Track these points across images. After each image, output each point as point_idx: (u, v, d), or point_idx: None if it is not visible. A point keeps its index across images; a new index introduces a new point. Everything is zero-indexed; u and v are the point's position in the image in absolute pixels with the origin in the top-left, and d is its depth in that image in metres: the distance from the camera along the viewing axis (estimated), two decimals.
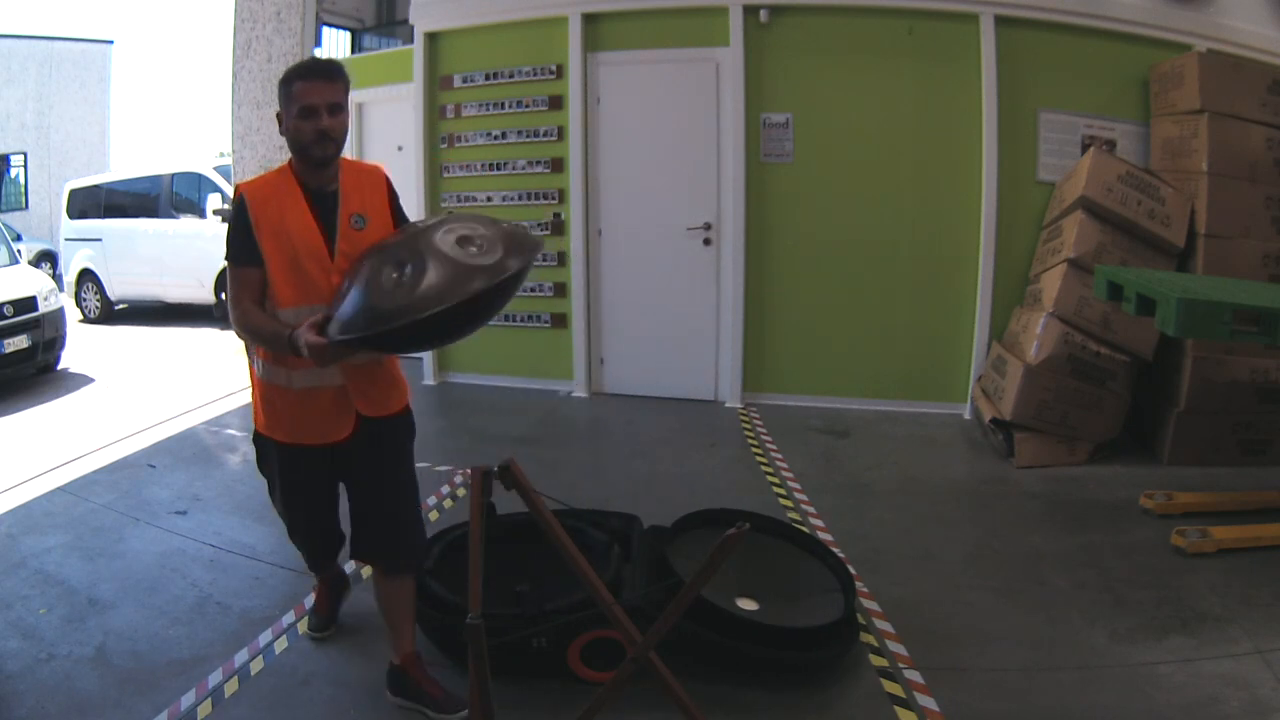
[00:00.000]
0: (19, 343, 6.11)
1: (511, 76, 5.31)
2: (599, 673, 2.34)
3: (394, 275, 1.92)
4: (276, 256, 2.10)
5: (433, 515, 3.64)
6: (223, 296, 8.60)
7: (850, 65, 4.88)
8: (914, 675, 2.43)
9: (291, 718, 2.30)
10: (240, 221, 2.11)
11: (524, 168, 5.39)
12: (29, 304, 6.28)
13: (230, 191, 7.56)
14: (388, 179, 2.32)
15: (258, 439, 2.38)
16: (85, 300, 9.69)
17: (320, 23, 7.08)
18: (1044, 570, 3.06)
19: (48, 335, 6.41)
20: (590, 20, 5.09)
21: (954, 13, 4.69)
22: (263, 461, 2.42)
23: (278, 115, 2.16)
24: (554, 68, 5.19)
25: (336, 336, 1.91)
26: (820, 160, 4.97)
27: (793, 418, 4.90)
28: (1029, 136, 4.73)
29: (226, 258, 2.17)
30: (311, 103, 2.07)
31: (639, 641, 1.66)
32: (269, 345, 2.11)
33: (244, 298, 2.13)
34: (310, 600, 2.80)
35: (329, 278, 2.10)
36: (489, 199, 5.50)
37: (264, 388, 2.27)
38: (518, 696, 2.27)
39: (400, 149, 6.25)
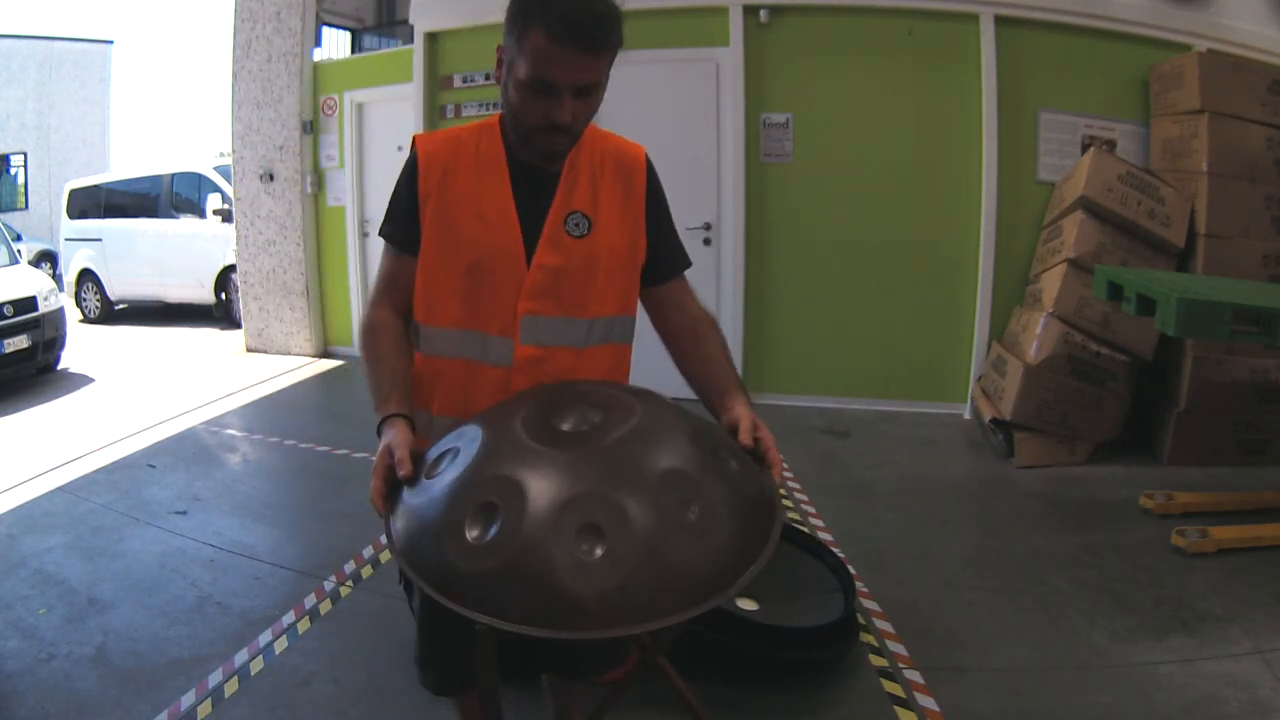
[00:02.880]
0: (19, 343, 6.11)
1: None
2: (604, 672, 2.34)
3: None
4: (444, 251, 1.41)
5: None
6: (223, 296, 8.63)
7: (850, 65, 4.89)
8: (914, 675, 2.43)
9: (291, 718, 2.30)
10: (406, 188, 1.44)
11: None
12: (29, 304, 6.28)
13: (230, 191, 7.56)
14: (650, 171, 1.54)
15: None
16: (85, 300, 9.69)
17: (320, 23, 7.09)
18: (1044, 570, 3.06)
19: (48, 335, 6.41)
20: None
21: (954, 13, 4.69)
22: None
23: (499, 50, 1.37)
24: None
25: (402, 551, 1.14)
26: (820, 160, 4.97)
27: (793, 418, 4.90)
28: (1029, 136, 4.73)
29: (380, 230, 1.52)
30: (553, 78, 1.29)
31: (648, 644, 1.66)
32: (370, 391, 1.39)
33: (383, 300, 1.48)
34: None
35: (514, 298, 1.41)
36: None
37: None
38: (519, 696, 2.27)
39: (400, 149, 6.25)
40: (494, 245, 1.40)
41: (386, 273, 1.49)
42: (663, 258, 1.54)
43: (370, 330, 1.45)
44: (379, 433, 1.28)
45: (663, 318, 1.55)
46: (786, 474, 4.04)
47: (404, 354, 1.43)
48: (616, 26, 1.30)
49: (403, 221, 1.44)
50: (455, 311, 1.43)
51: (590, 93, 1.35)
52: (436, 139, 1.47)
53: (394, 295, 1.47)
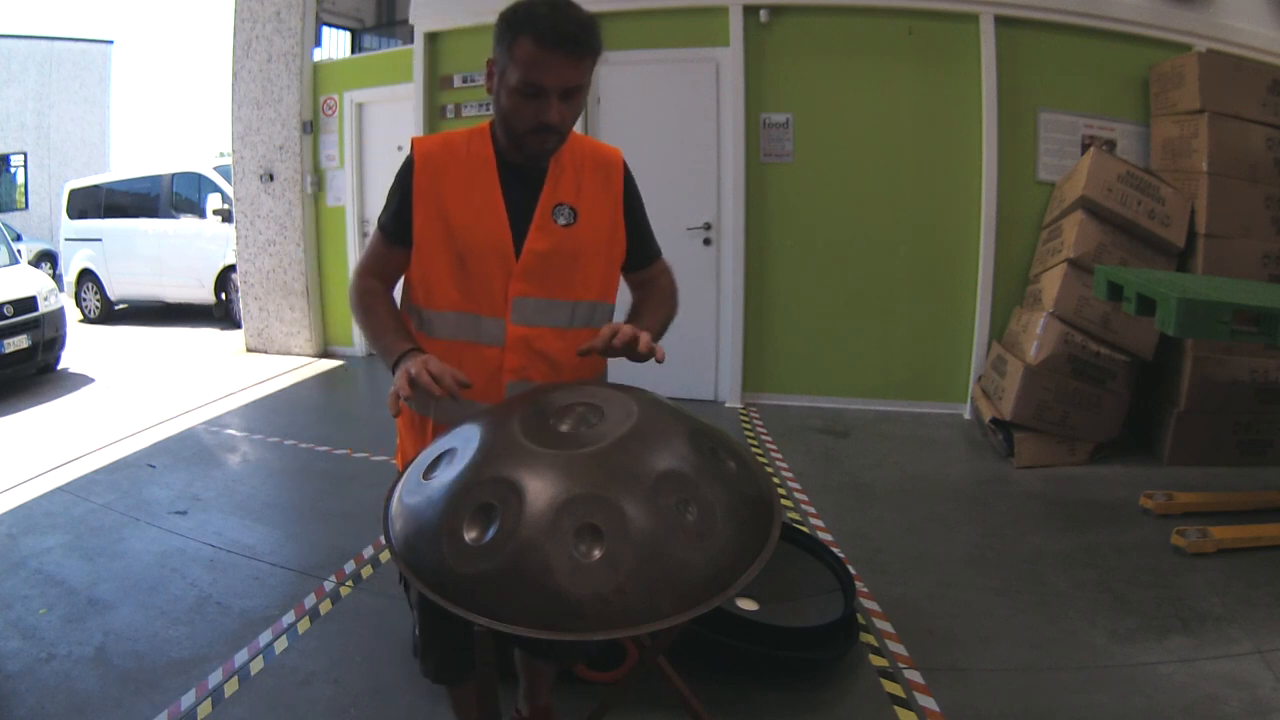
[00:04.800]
0: (19, 343, 6.11)
1: None
2: (601, 673, 2.35)
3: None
4: (439, 241, 1.56)
5: None
6: (223, 296, 8.63)
7: (850, 65, 4.89)
8: (914, 675, 2.43)
9: (291, 718, 2.30)
10: (402, 184, 1.58)
11: None
12: (29, 304, 6.28)
13: (230, 191, 7.56)
14: (626, 171, 1.69)
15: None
16: (85, 300, 9.69)
17: (320, 23, 7.09)
18: (1044, 570, 3.06)
19: (48, 335, 6.41)
20: None
21: (954, 13, 4.69)
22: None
23: (488, 63, 1.52)
24: None
25: (400, 553, 1.16)
26: (820, 160, 4.97)
27: (793, 418, 4.90)
28: (1029, 136, 4.73)
29: (378, 219, 1.65)
30: (540, 82, 1.42)
31: (648, 645, 1.66)
32: (373, 344, 1.58)
33: (372, 272, 1.64)
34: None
35: (506, 283, 1.55)
36: None
37: (407, 420, 1.66)
38: (510, 691, 2.27)
39: (400, 149, 6.25)
40: (483, 234, 1.55)
41: (375, 253, 1.65)
42: (639, 247, 1.71)
43: (364, 292, 1.62)
44: (394, 368, 1.43)
45: (638, 291, 1.76)
46: (786, 474, 4.04)
47: (398, 311, 1.62)
48: (596, 33, 1.46)
49: (395, 214, 1.58)
50: (452, 295, 1.57)
51: (575, 95, 1.48)
52: (432, 140, 1.61)
53: (381, 273, 1.64)
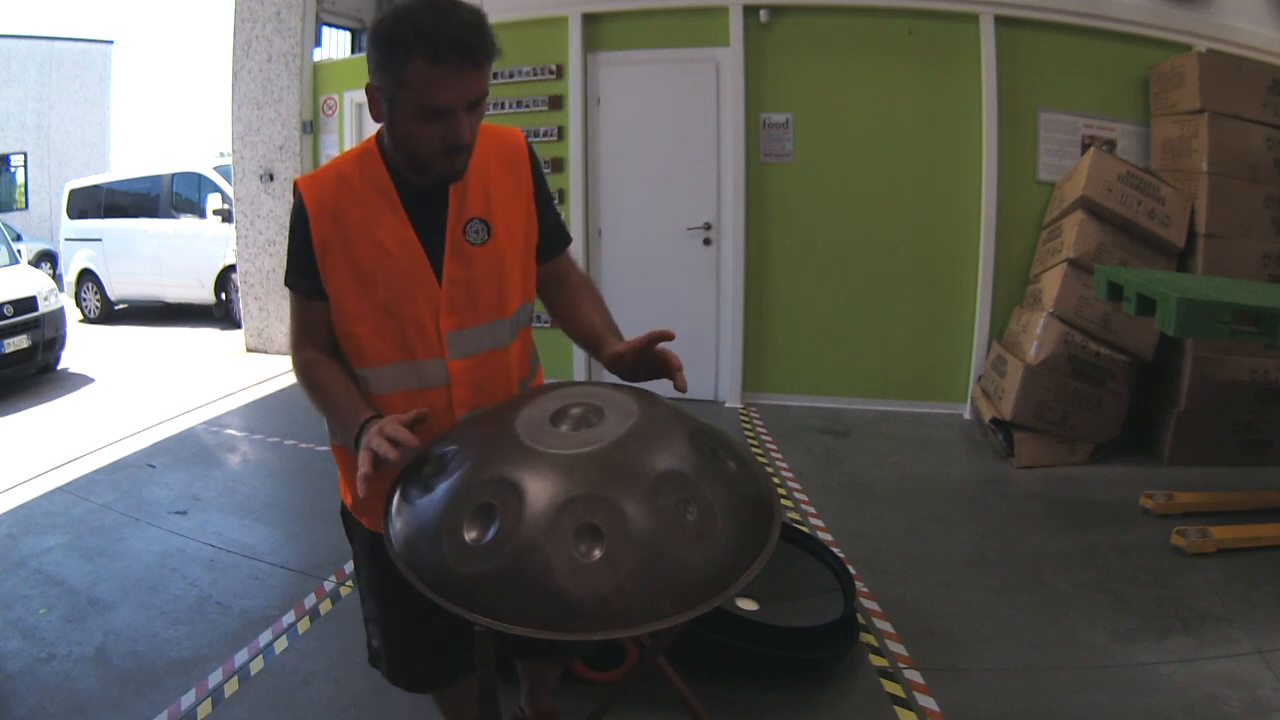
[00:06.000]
0: (19, 343, 6.11)
1: (511, 76, 5.31)
2: (600, 673, 2.35)
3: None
4: (356, 293, 1.41)
5: None
6: (223, 296, 8.63)
7: (850, 65, 4.88)
8: (914, 675, 2.43)
9: (291, 718, 2.30)
10: (299, 235, 1.43)
11: None
12: (29, 304, 6.28)
13: (230, 191, 7.55)
14: (530, 152, 1.53)
15: (345, 517, 1.67)
16: (85, 300, 9.69)
17: (320, 23, 7.08)
18: (1044, 570, 3.06)
19: (48, 335, 6.41)
20: (590, 20, 5.09)
21: (954, 13, 4.69)
22: (353, 542, 1.68)
23: (369, 90, 1.33)
24: (554, 68, 5.19)
25: (400, 553, 1.16)
26: (820, 160, 4.97)
27: (793, 418, 4.90)
28: (1029, 136, 4.73)
29: (285, 280, 1.52)
30: (444, 102, 1.26)
31: (648, 645, 1.66)
32: (329, 421, 1.47)
33: (306, 343, 1.50)
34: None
35: (434, 319, 1.42)
36: None
37: (343, 454, 1.57)
38: (509, 690, 2.27)
39: None
40: (402, 274, 1.40)
41: (300, 320, 1.50)
42: (549, 236, 1.57)
43: (308, 366, 1.48)
44: (356, 443, 1.29)
45: (547, 288, 1.61)
46: (786, 474, 4.04)
47: (349, 377, 1.46)
48: (489, 33, 1.27)
49: (304, 270, 1.43)
50: (382, 349, 1.43)
51: (479, 104, 1.32)
52: (318, 181, 1.44)
53: (314, 338, 1.49)
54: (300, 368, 1.49)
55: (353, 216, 1.39)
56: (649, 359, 1.38)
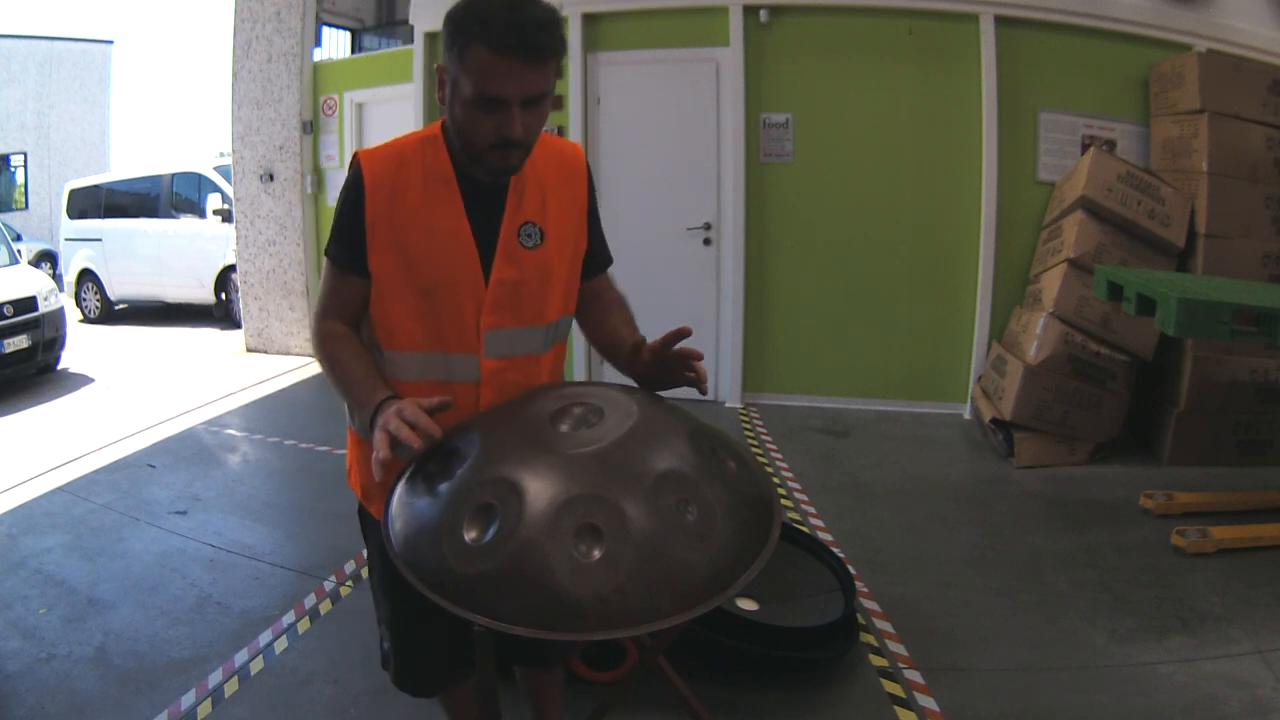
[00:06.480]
0: (19, 343, 6.11)
1: None
2: (600, 673, 2.35)
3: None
4: (400, 276, 1.39)
5: None
6: (223, 296, 8.63)
7: (850, 65, 4.88)
8: (914, 675, 2.43)
9: (291, 718, 2.30)
10: (351, 208, 1.39)
11: None
12: (29, 304, 6.28)
13: (230, 191, 7.55)
14: (589, 171, 1.55)
15: (362, 515, 1.69)
16: (85, 300, 9.69)
17: (320, 23, 7.09)
18: (1044, 570, 3.06)
19: (48, 335, 6.41)
20: (590, 20, 5.09)
21: (954, 13, 4.69)
22: (368, 541, 1.69)
23: (438, 70, 1.33)
24: None
25: (400, 553, 1.15)
26: (820, 160, 4.97)
27: (793, 418, 4.90)
28: (1029, 136, 4.73)
29: (326, 250, 1.46)
30: (499, 93, 1.25)
31: (648, 645, 1.66)
32: (343, 398, 1.42)
33: (332, 313, 1.45)
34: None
35: (475, 315, 1.41)
36: None
37: (357, 440, 1.57)
38: (520, 697, 2.27)
39: None
40: (451, 265, 1.39)
41: (332, 290, 1.45)
42: (595, 257, 1.58)
43: (329, 338, 1.43)
44: (372, 423, 1.25)
45: (583, 302, 1.60)
46: (786, 474, 4.04)
47: (368, 356, 1.42)
48: (557, 33, 1.26)
49: (349, 244, 1.40)
50: (416, 334, 1.42)
51: (539, 103, 1.30)
52: (380, 157, 1.41)
53: (342, 312, 1.45)
54: (320, 339, 1.44)
55: (409, 199, 1.38)
56: (669, 360, 1.35)
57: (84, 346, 7.66)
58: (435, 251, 1.38)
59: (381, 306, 1.42)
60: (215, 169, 8.98)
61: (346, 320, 1.45)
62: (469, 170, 1.38)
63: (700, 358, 1.34)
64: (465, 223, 1.38)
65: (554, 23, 1.26)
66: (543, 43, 1.23)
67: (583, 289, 1.58)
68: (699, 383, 1.35)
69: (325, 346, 1.43)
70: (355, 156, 1.42)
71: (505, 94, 1.25)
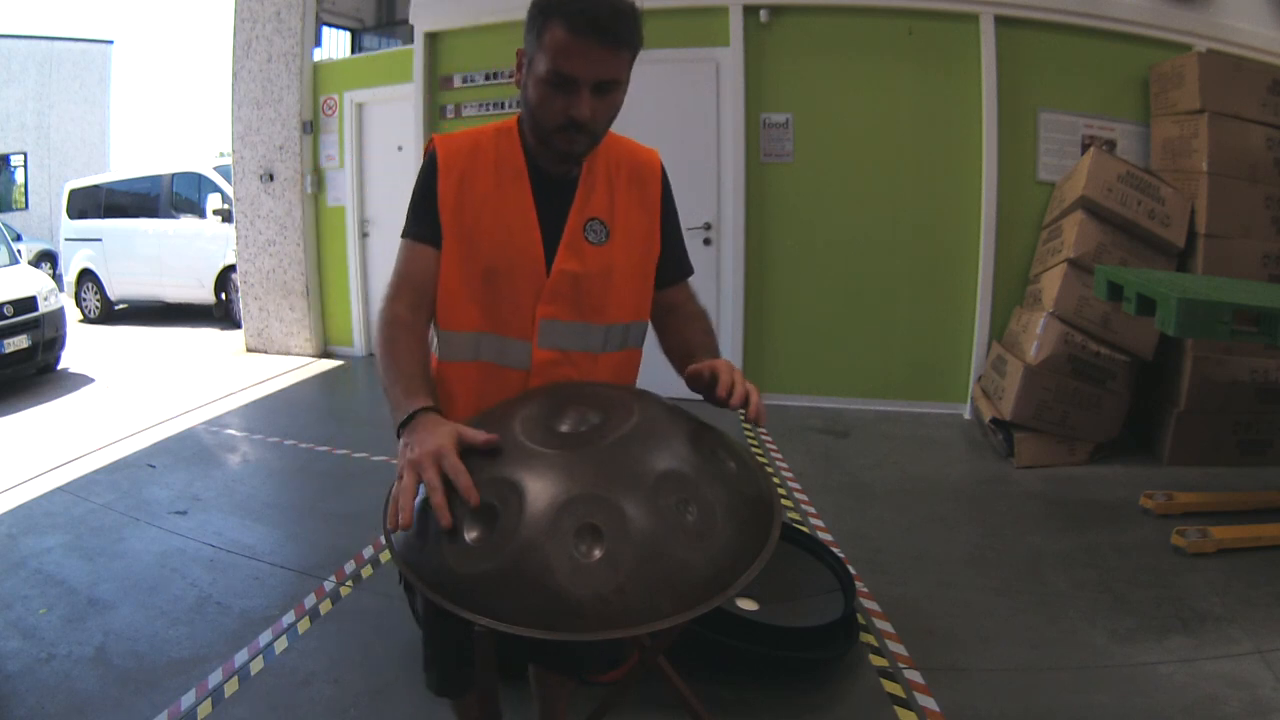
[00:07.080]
0: (19, 343, 6.11)
1: (512, 76, 5.32)
2: (601, 673, 2.34)
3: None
4: (462, 256, 1.41)
5: None
6: (223, 296, 8.63)
7: (850, 65, 4.89)
8: (914, 675, 2.43)
9: (291, 718, 2.30)
10: (425, 186, 1.43)
11: None
12: (29, 304, 6.28)
13: (230, 191, 7.56)
14: (664, 178, 1.56)
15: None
16: (85, 300, 9.69)
17: (320, 23, 7.08)
18: (1044, 570, 3.06)
19: (48, 335, 6.41)
20: None
21: (954, 13, 4.69)
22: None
23: (518, 54, 1.41)
24: None
25: (400, 553, 1.13)
26: (820, 160, 4.97)
27: (793, 418, 4.90)
28: (1029, 136, 4.73)
29: (402, 233, 1.47)
30: (572, 71, 1.28)
31: (648, 645, 1.66)
32: (384, 387, 1.31)
33: (399, 296, 1.41)
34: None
35: (532, 303, 1.42)
36: None
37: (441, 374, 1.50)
38: (520, 697, 2.27)
39: (400, 149, 6.25)
40: (514, 250, 1.41)
41: (403, 269, 1.44)
42: (669, 264, 1.56)
43: (391, 323, 1.38)
44: (403, 427, 1.18)
45: (660, 312, 1.58)
46: (786, 474, 4.04)
47: (425, 352, 1.38)
48: (635, 24, 1.30)
49: (423, 217, 1.42)
50: (473, 315, 1.43)
51: (610, 91, 1.33)
52: (456, 142, 1.45)
53: (412, 291, 1.41)
54: (384, 323, 1.39)
55: (479, 185, 1.41)
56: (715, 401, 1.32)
57: (84, 346, 7.67)
58: (499, 236, 1.40)
59: (442, 286, 1.42)
60: (215, 169, 8.98)
61: (411, 302, 1.41)
62: (539, 160, 1.42)
63: (742, 405, 1.28)
64: (533, 212, 1.41)
65: (633, 13, 1.30)
66: (619, 29, 1.27)
67: (659, 298, 1.56)
68: (753, 422, 1.30)
69: (384, 331, 1.38)
70: (431, 140, 1.47)
71: (577, 73, 1.28)
